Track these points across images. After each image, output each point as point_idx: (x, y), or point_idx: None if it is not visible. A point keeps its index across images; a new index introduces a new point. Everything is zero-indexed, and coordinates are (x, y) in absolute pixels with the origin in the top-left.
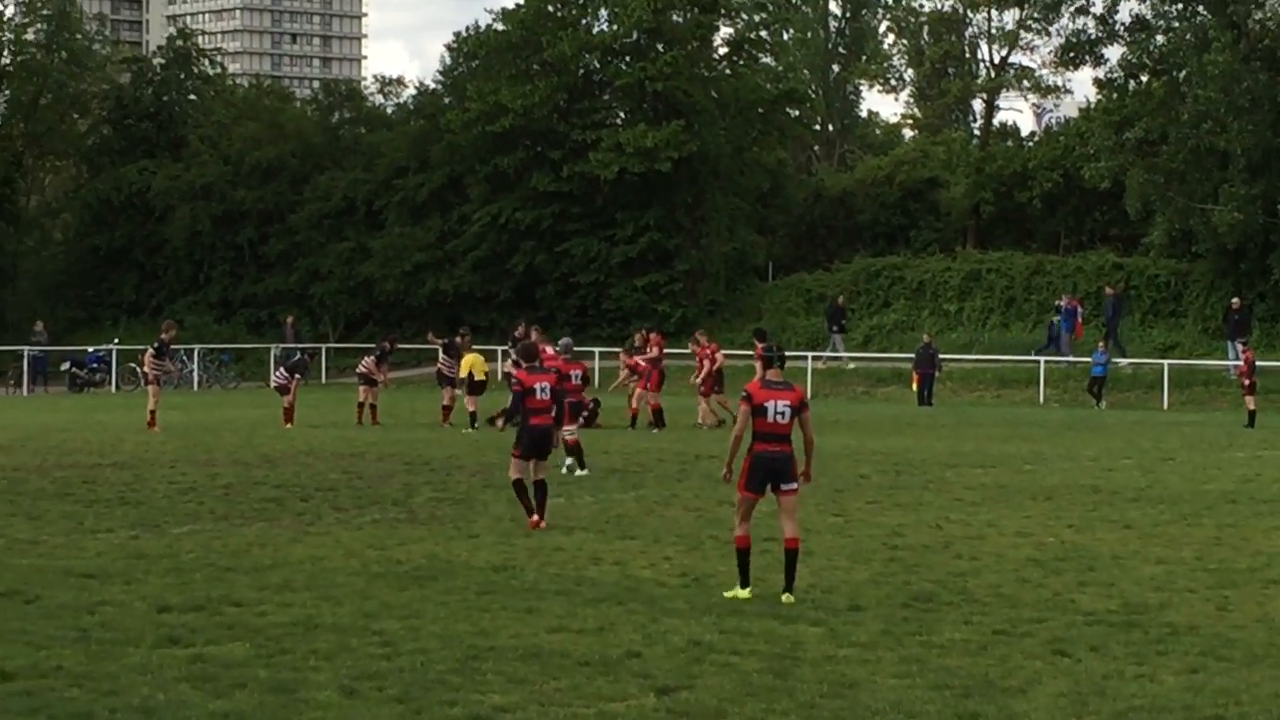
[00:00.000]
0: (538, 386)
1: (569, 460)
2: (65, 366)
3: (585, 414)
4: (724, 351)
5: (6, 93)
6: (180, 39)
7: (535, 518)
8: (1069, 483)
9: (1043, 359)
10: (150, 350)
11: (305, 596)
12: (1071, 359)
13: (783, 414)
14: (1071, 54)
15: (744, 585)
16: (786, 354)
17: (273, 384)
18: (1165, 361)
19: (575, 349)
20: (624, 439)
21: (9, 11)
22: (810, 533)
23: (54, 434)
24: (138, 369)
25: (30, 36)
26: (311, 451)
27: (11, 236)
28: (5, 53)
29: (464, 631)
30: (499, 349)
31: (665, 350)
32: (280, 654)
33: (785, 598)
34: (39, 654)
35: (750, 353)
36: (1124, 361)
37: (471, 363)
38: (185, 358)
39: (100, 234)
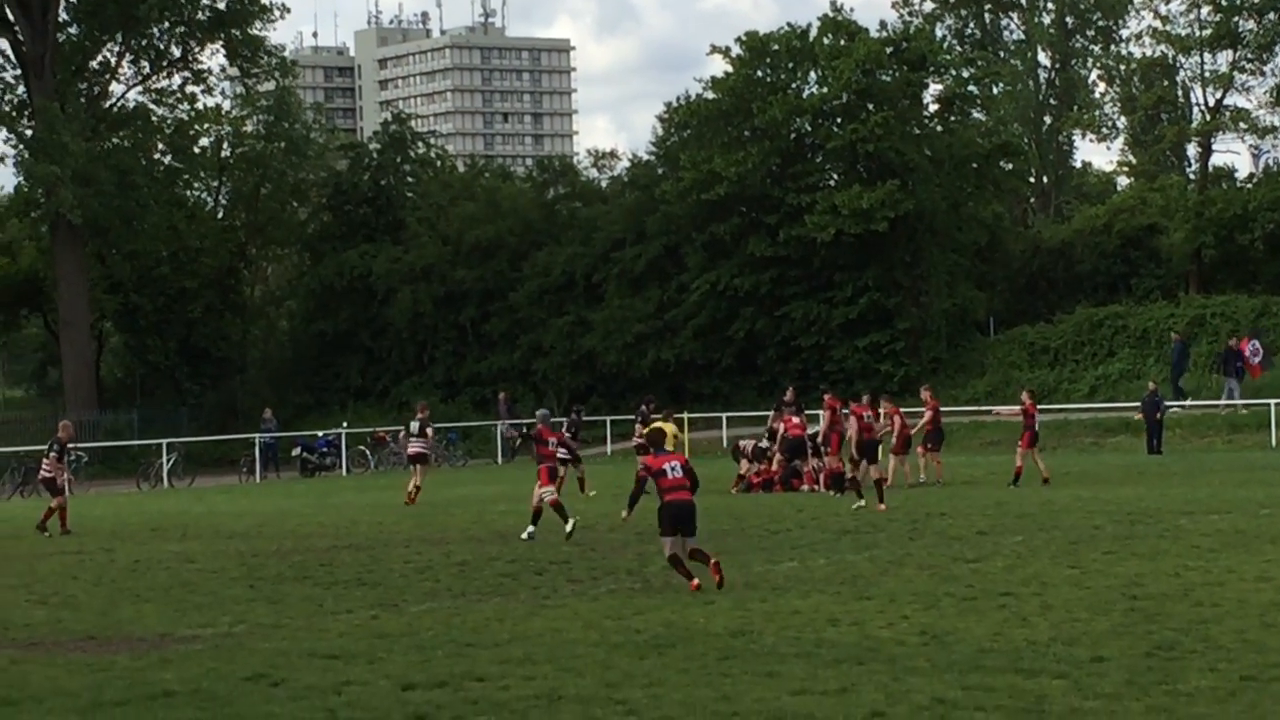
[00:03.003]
0: (667, 466)
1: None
2: (296, 452)
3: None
4: (950, 408)
5: (228, 185)
6: (395, 123)
7: (695, 581)
8: None
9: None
10: (429, 429)
11: (547, 669)
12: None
13: None
14: None
15: None
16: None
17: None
18: None
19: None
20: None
21: (227, 104)
22: (1047, 585)
23: (289, 519)
24: (367, 451)
25: (249, 128)
26: (544, 525)
27: (238, 326)
28: (226, 145)
29: (707, 697)
30: (724, 415)
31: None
32: None
33: None
34: None
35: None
36: None
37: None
38: None
39: (325, 320)
